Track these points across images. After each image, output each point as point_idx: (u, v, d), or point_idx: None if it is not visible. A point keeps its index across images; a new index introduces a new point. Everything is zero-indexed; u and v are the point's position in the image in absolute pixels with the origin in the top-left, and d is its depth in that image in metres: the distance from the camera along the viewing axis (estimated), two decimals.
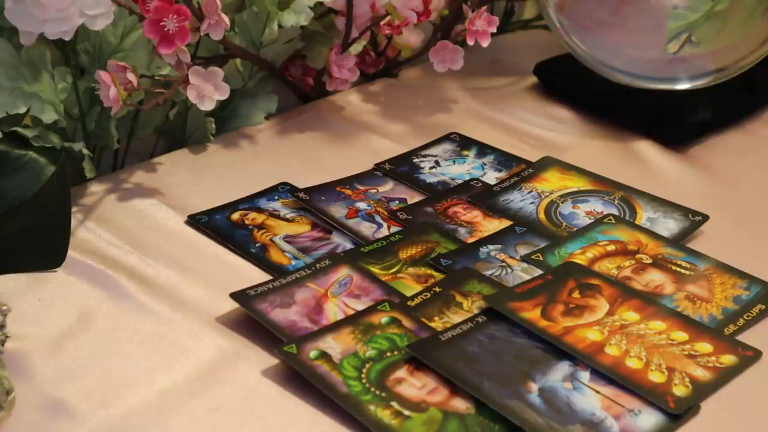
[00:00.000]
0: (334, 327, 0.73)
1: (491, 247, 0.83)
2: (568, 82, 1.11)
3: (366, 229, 0.86)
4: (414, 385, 0.68)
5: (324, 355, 0.70)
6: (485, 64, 1.18)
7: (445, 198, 0.91)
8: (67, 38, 0.81)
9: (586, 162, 0.97)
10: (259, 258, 0.82)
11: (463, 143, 1.01)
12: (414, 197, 0.92)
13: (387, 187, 0.93)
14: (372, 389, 0.67)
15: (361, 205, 0.89)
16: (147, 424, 0.65)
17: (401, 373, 0.69)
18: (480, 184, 0.94)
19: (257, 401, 0.68)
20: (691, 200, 0.91)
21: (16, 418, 0.64)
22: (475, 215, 0.89)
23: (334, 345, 0.71)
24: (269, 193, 0.91)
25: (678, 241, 0.85)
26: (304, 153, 0.99)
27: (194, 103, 0.88)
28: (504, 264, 0.81)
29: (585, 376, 0.69)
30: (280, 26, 0.97)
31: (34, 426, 0.64)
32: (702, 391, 0.69)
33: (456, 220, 0.88)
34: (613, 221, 0.87)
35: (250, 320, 0.74)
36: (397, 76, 1.15)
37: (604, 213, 0.89)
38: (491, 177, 0.95)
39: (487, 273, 0.80)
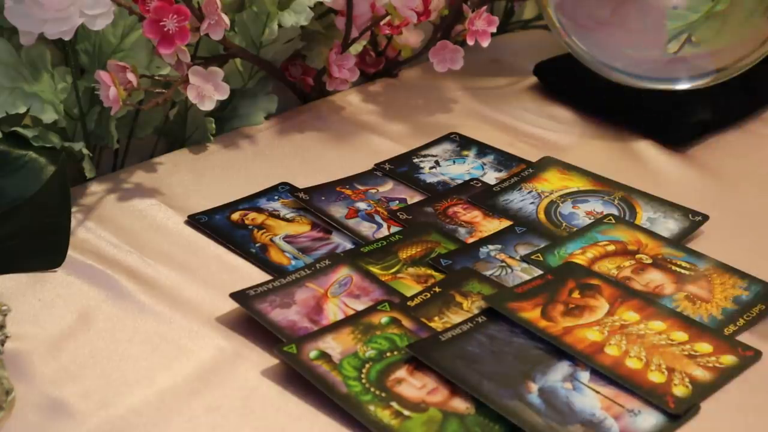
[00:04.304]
0: (334, 327, 0.73)
1: (491, 247, 0.83)
2: (568, 82, 1.11)
3: (366, 229, 0.86)
4: (414, 385, 0.68)
5: (324, 355, 0.70)
6: (485, 64, 1.18)
7: (445, 198, 0.91)
8: (67, 38, 0.81)
9: (586, 162, 0.97)
10: (259, 258, 0.82)
11: (463, 143, 1.01)
12: (414, 197, 0.92)
13: (387, 187, 0.93)
14: (372, 389, 0.67)
15: (361, 205, 0.89)
16: (147, 424, 0.65)
17: (401, 373, 0.69)
18: (480, 184, 0.94)
19: (257, 401, 0.68)
20: (691, 200, 0.91)
21: (16, 418, 0.64)
22: (475, 215, 0.89)
23: (334, 345, 0.71)
24: (269, 193, 0.91)
25: (678, 241, 0.85)
26: (304, 153, 0.99)
27: (194, 103, 0.88)
28: (504, 264, 0.81)
29: (585, 376, 0.69)
30: (280, 26, 0.97)
31: (34, 426, 0.64)
32: (702, 391, 0.69)
33: (456, 220, 0.88)
34: (613, 221, 0.87)
35: (250, 320, 0.74)
36: (397, 76, 1.15)
37: (604, 213, 0.89)
38: (491, 177, 0.95)
39: (487, 273, 0.80)
